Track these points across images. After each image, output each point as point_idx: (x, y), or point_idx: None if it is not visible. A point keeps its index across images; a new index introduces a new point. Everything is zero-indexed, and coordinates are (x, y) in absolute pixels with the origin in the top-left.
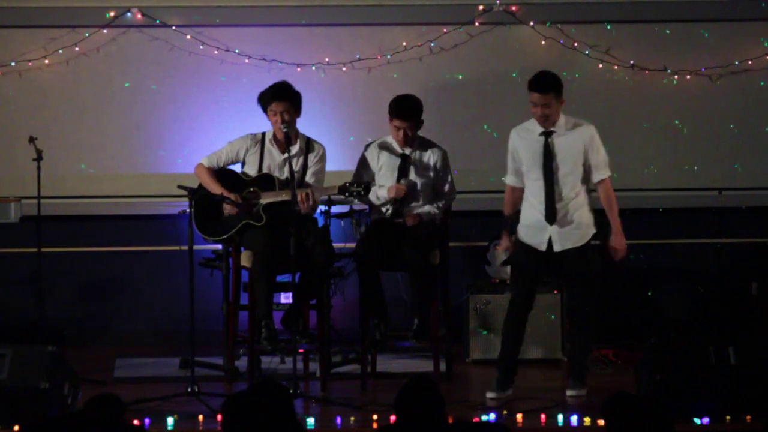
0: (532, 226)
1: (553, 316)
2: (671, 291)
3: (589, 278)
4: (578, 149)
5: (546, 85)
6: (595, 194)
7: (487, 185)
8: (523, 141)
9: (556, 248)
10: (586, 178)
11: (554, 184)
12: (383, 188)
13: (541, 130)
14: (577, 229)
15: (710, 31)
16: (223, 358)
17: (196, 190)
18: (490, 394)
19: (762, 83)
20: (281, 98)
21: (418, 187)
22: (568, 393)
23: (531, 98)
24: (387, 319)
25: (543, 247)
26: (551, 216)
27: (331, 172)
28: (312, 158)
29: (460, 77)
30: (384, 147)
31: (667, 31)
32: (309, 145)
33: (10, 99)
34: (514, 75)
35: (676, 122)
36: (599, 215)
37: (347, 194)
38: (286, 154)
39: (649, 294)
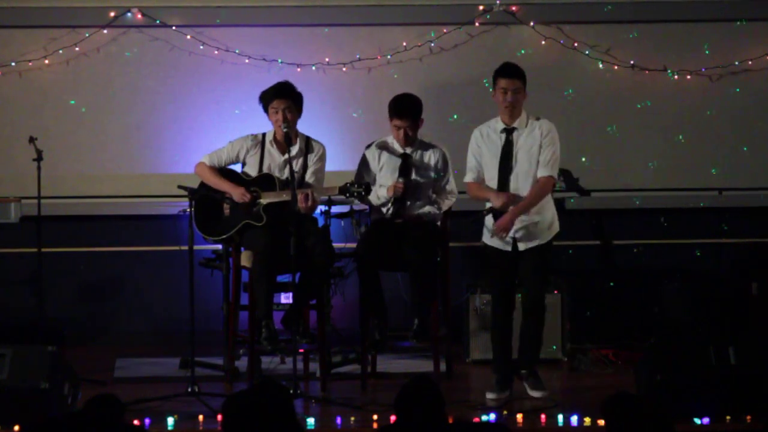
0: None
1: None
2: (671, 291)
3: (543, 276)
4: (536, 146)
5: (514, 72)
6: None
7: None
8: (486, 140)
9: (521, 247)
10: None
11: (508, 182)
12: (383, 188)
13: (502, 127)
14: (538, 228)
15: (710, 31)
16: (223, 358)
17: (196, 190)
18: (489, 395)
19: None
20: (283, 96)
21: (419, 187)
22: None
23: (499, 85)
24: (386, 319)
25: (509, 248)
26: (503, 213)
27: (331, 172)
28: (312, 158)
29: (460, 77)
30: (384, 147)
31: (667, 31)
32: (309, 144)
33: (10, 99)
34: None
35: (676, 122)
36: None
37: (348, 194)
38: (287, 155)
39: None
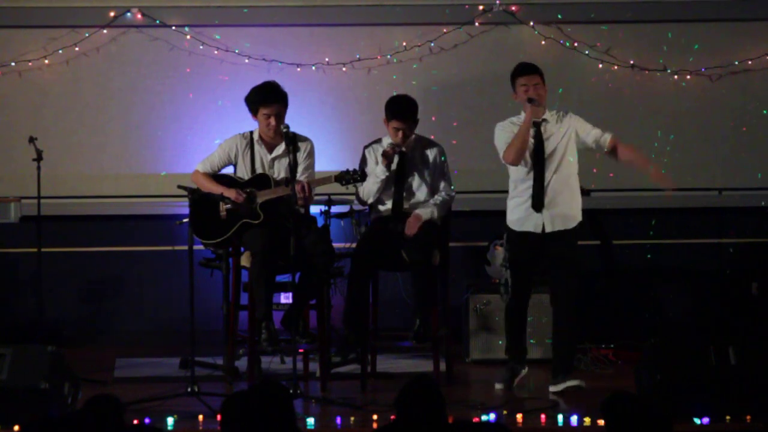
0: (524, 214)
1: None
2: (671, 291)
3: (574, 263)
4: (569, 135)
5: (531, 68)
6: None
7: (487, 185)
8: (511, 133)
9: (548, 229)
10: (576, 165)
11: (545, 171)
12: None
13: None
14: (569, 212)
15: (710, 31)
16: (223, 358)
17: (196, 189)
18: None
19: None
20: (272, 102)
21: (417, 185)
22: (552, 389)
23: (519, 83)
24: (355, 340)
25: (539, 230)
26: (539, 204)
27: (331, 172)
28: (300, 155)
29: (459, 77)
30: (382, 146)
31: (667, 32)
32: (295, 141)
33: (10, 99)
34: (507, 78)
35: (676, 122)
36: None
37: (344, 182)
38: (275, 153)
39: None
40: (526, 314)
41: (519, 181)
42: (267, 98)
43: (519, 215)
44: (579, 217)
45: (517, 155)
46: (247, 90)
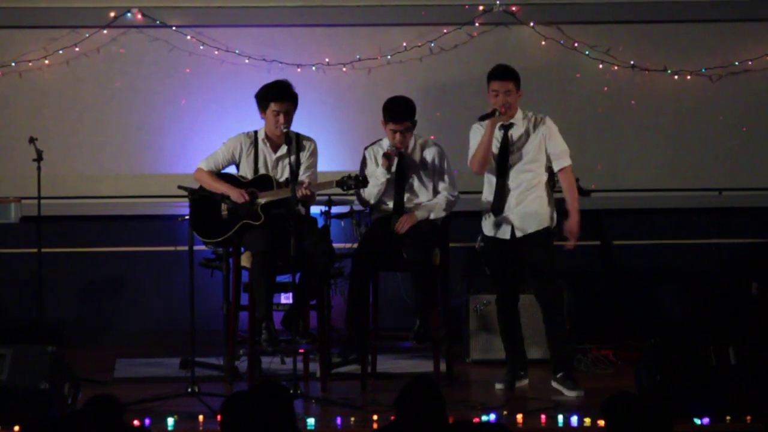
0: (494, 219)
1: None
2: (671, 291)
3: (548, 268)
4: (538, 140)
5: (505, 74)
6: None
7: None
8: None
9: (517, 234)
10: (547, 170)
11: (507, 176)
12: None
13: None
14: (535, 216)
15: (710, 31)
16: (224, 359)
17: (196, 190)
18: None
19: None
20: (284, 99)
21: (418, 186)
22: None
23: (491, 87)
24: (355, 342)
25: (507, 235)
26: (499, 208)
27: (331, 172)
28: (304, 155)
29: (460, 78)
30: (382, 147)
31: (667, 32)
32: (300, 141)
33: (11, 99)
34: None
35: (676, 122)
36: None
37: (345, 188)
38: (279, 152)
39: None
40: (517, 316)
41: (487, 187)
42: (279, 95)
43: (490, 220)
44: (548, 222)
45: (480, 165)
46: (247, 90)
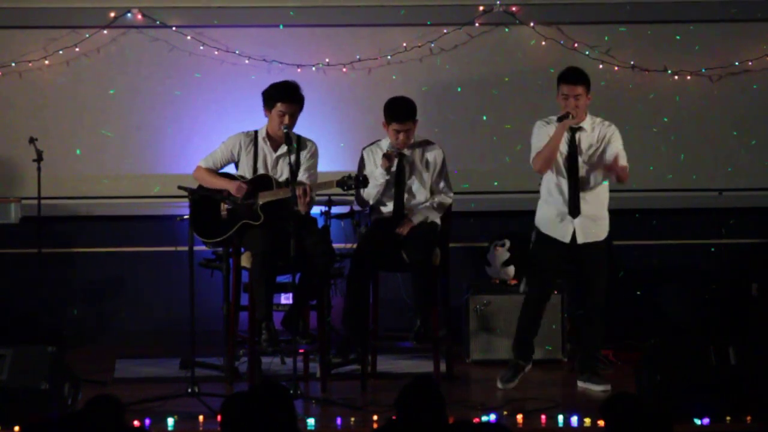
0: (554, 219)
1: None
2: (671, 291)
3: (605, 273)
4: (602, 147)
5: (576, 78)
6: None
7: (487, 186)
8: (545, 136)
9: (580, 240)
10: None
11: (578, 179)
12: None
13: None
14: (598, 223)
15: (710, 31)
16: (224, 359)
17: (196, 190)
18: (499, 385)
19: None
20: (292, 101)
21: (417, 187)
22: (581, 385)
23: (561, 90)
24: (354, 344)
25: (567, 239)
26: (575, 209)
27: (331, 172)
28: (304, 155)
29: (460, 78)
30: (380, 148)
31: (668, 32)
32: (300, 142)
33: (11, 100)
34: (506, 79)
35: (676, 122)
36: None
37: (345, 188)
38: (280, 151)
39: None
40: (543, 312)
41: (551, 187)
42: (288, 96)
43: (549, 220)
44: (607, 229)
45: (543, 164)
46: (247, 90)
